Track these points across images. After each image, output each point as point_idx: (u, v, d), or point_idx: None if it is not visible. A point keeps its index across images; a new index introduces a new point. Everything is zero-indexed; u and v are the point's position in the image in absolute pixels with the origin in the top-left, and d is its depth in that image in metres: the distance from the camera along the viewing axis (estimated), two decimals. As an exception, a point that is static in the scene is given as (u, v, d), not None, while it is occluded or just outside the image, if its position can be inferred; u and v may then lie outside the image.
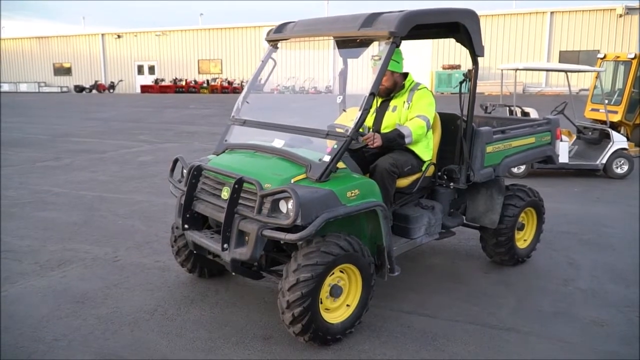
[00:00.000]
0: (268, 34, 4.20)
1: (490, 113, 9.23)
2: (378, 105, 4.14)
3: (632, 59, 10.82)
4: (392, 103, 4.10)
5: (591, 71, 9.65)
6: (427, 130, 3.94)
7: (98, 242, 5.32)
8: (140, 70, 42.75)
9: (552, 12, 30.85)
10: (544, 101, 20.32)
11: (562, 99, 9.59)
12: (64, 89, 43.07)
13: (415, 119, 3.89)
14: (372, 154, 3.94)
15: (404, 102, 4.02)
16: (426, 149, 4.04)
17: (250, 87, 4.27)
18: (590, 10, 29.96)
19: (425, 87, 4.10)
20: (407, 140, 3.82)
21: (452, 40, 4.06)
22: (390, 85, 4.03)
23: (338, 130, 3.41)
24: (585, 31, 30.16)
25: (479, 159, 4.16)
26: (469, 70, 3.96)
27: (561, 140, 7.03)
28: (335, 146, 3.31)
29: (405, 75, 4.13)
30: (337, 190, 3.21)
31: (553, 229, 5.73)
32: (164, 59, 41.80)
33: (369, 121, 4.11)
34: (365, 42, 3.88)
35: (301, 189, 3.10)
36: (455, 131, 4.17)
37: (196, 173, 3.64)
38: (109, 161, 10.23)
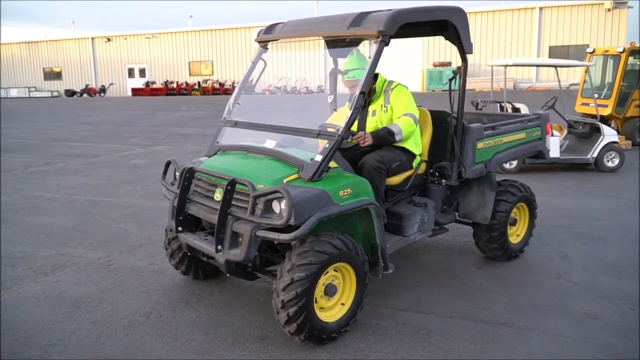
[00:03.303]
0: (258, 34, 4.20)
1: (480, 109, 9.28)
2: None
3: (621, 52, 10.92)
4: (371, 108, 4.08)
5: (580, 66, 9.72)
6: (416, 126, 3.95)
7: (92, 246, 5.31)
8: (130, 73, 42.50)
9: (540, 8, 30.94)
10: (534, 96, 20.41)
11: (553, 94, 9.65)
12: (55, 94, 42.74)
13: (402, 117, 3.90)
14: (363, 152, 3.95)
15: (382, 105, 4.01)
16: (414, 144, 4.05)
17: (242, 88, 4.28)
18: (579, 5, 30.07)
19: (398, 84, 4.08)
20: (397, 137, 3.84)
21: (442, 37, 4.08)
22: None
23: (329, 129, 3.42)
24: (574, 26, 30.28)
25: (470, 156, 4.18)
26: (458, 67, 3.98)
27: (552, 135, 7.09)
28: (327, 146, 3.32)
29: (376, 77, 4.07)
30: (330, 189, 3.22)
31: (545, 224, 5.77)
32: (155, 62, 41.58)
33: (353, 127, 4.09)
34: (354, 42, 3.90)
35: (294, 189, 3.11)
36: (446, 128, 4.19)
37: (189, 175, 3.64)
38: (101, 165, 10.20)
